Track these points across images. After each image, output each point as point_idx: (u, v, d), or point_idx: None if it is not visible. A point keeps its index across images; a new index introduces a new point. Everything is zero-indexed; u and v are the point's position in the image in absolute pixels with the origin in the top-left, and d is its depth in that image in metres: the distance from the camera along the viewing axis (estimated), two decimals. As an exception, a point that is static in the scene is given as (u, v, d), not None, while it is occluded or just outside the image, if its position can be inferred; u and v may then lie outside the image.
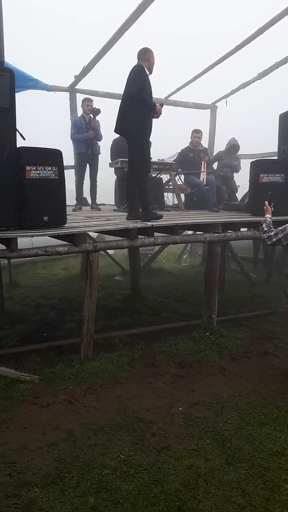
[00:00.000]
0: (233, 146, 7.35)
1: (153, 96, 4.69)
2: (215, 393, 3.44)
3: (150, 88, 4.62)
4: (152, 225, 4.27)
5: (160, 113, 4.66)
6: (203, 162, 7.06)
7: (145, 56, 4.63)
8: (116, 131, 4.92)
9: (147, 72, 4.60)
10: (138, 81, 4.50)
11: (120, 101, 4.76)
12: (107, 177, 7.30)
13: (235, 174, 7.63)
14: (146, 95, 4.53)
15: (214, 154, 7.91)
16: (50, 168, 3.78)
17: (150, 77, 4.66)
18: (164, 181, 7.16)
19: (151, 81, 4.65)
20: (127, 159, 6.30)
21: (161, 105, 4.71)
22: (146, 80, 4.57)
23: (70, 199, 5.09)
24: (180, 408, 3.20)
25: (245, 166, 6.00)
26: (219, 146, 7.99)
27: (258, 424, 2.98)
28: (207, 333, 4.59)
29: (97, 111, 6.51)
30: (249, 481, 2.40)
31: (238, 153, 7.64)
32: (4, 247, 3.64)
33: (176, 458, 2.60)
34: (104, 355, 4.07)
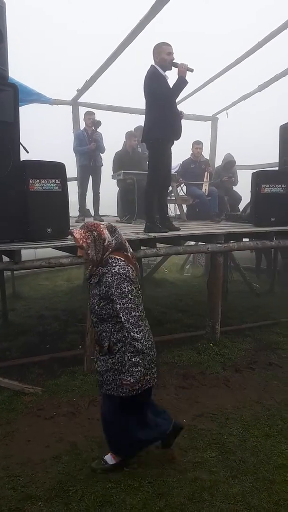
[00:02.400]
0: (229, 162, 7.57)
1: None
2: (219, 405, 3.43)
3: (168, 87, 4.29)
4: (155, 236, 4.29)
5: (183, 72, 4.15)
6: (205, 173, 7.12)
7: (155, 54, 4.30)
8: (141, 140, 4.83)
9: (161, 71, 4.26)
10: (155, 83, 4.22)
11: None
12: (109, 189, 7.36)
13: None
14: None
15: (214, 168, 7.99)
16: (53, 180, 3.82)
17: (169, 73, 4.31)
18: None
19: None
20: (129, 171, 6.39)
21: (190, 69, 4.21)
22: (161, 79, 4.26)
23: (73, 210, 5.13)
24: (184, 420, 3.17)
25: (246, 177, 6.04)
26: (220, 157, 8.08)
27: (262, 436, 2.96)
28: (211, 344, 4.58)
29: (97, 123, 6.60)
30: (254, 494, 2.37)
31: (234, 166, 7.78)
32: (8, 259, 3.68)
33: (180, 471, 2.58)
34: (107, 367, 4.06)
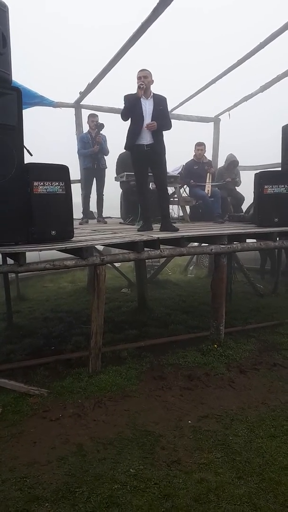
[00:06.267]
0: (232, 163, 7.56)
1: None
2: (224, 406, 3.43)
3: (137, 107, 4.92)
4: (158, 237, 4.31)
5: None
6: (208, 174, 7.13)
7: None
8: None
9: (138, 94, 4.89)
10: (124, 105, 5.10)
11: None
12: (113, 191, 7.39)
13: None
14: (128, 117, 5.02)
15: (217, 170, 7.99)
16: (57, 183, 3.84)
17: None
18: (169, 194, 7.23)
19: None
20: (132, 173, 6.41)
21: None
22: (130, 101, 4.98)
23: (77, 212, 5.15)
24: (189, 421, 3.18)
25: (249, 177, 6.05)
26: (223, 158, 8.09)
27: (268, 437, 2.96)
28: (215, 345, 4.58)
29: (100, 126, 6.64)
30: (260, 495, 2.37)
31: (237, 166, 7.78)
32: (12, 262, 3.70)
33: (186, 472, 2.58)
34: (112, 368, 4.07)
